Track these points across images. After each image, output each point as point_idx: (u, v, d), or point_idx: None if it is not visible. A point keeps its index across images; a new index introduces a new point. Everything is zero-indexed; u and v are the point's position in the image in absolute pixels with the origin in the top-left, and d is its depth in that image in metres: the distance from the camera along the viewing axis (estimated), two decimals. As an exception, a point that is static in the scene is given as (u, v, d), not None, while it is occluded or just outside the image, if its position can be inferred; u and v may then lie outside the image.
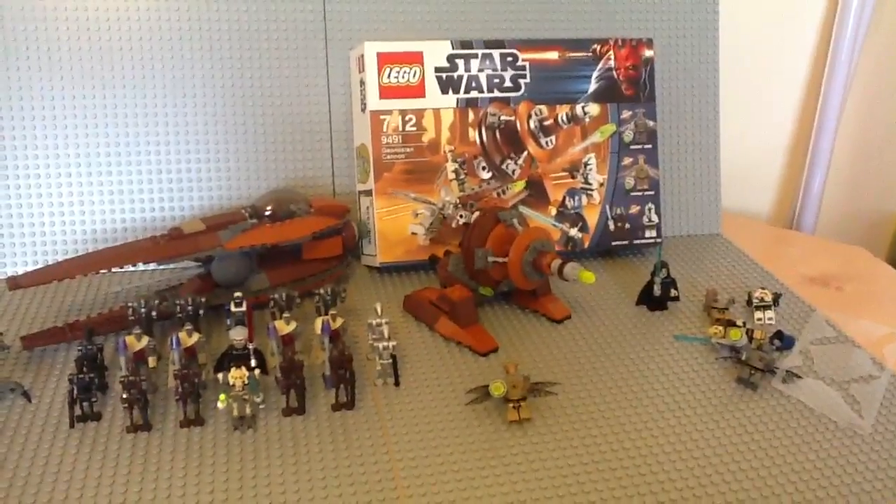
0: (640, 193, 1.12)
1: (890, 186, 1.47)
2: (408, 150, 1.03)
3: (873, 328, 0.95)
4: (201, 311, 0.87)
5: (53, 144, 1.04)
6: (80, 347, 0.79)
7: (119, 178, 1.05)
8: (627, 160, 1.11)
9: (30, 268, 1.03)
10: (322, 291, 0.89)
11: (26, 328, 0.90)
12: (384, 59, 1.02)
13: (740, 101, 1.34)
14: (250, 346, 0.78)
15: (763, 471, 0.71)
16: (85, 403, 0.75)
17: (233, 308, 0.83)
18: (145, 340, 0.80)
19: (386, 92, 1.02)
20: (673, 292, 0.98)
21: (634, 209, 1.12)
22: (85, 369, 0.75)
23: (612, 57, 1.10)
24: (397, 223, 1.03)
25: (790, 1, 1.32)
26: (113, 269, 0.88)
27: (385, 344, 0.81)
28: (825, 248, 1.21)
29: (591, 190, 1.10)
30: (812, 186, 1.40)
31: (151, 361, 0.81)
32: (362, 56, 1.02)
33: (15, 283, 0.83)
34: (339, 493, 0.67)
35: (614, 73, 1.10)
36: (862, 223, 1.49)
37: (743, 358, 0.84)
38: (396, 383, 0.82)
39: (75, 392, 0.74)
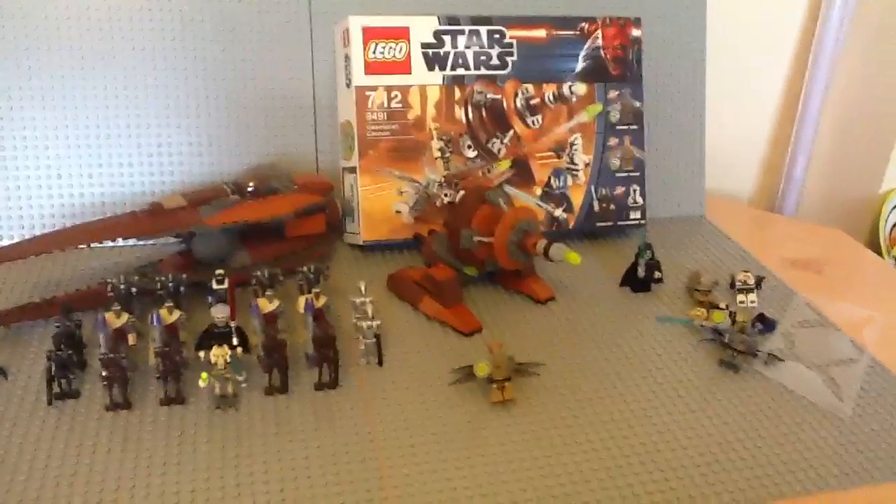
0: (625, 174, 1.11)
1: (870, 171, 1.48)
2: (393, 127, 1.02)
3: (853, 311, 0.96)
4: (182, 289, 0.85)
5: (31, 117, 1.01)
6: (57, 324, 0.77)
7: (98, 151, 1.03)
8: (613, 141, 1.11)
9: (5, 242, 1.01)
10: (305, 269, 0.88)
11: (2, 304, 0.89)
12: (370, 34, 1.00)
13: (726, 84, 1.34)
14: (232, 325, 0.77)
15: (744, 452, 0.71)
16: (63, 381, 0.74)
17: (215, 285, 0.82)
18: (125, 317, 0.79)
19: (371, 67, 1.01)
20: (657, 274, 0.99)
21: (619, 190, 1.11)
22: (63, 346, 0.74)
23: (600, 36, 1.09)
24: (381, 201, 1.02)
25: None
26: (91, 245, 0.87)
27: (369, 323, 0.80)
28: (806, 232, 1.22)
29: (577, 170, 1.09)
30: (795, 170, 1.41)
31: (131, 339, 0.79)
32: (347, 30, 1.00)
33: (-9, 257, 0.82)
34: (322, 472, 0.67)
35: (602, 52, 1.09)
36: (843, 207, 1.50)
37: (725, 340, 0.84)
38: (380, 363, 0.81)
39: (53, 369, 0.73)
